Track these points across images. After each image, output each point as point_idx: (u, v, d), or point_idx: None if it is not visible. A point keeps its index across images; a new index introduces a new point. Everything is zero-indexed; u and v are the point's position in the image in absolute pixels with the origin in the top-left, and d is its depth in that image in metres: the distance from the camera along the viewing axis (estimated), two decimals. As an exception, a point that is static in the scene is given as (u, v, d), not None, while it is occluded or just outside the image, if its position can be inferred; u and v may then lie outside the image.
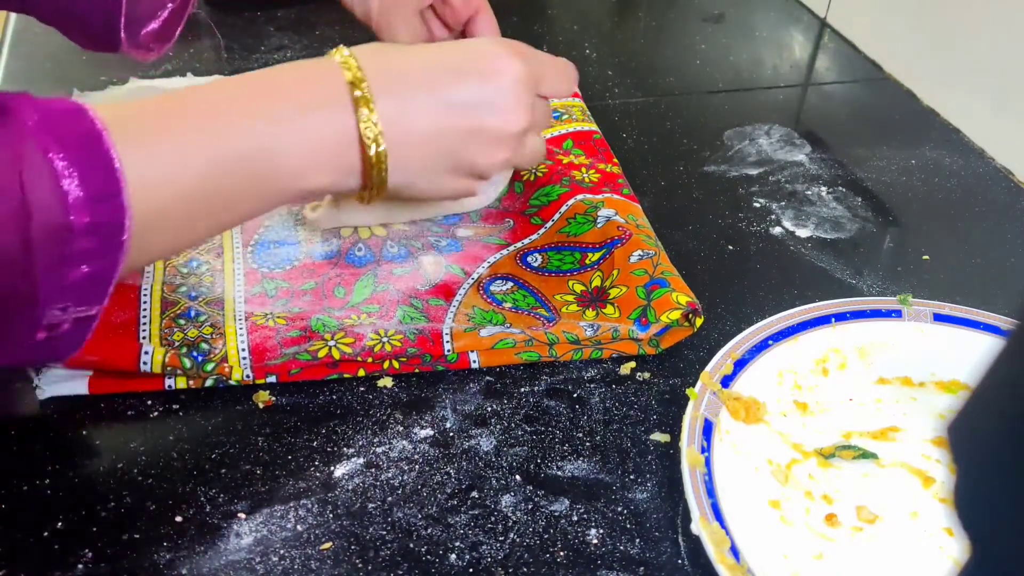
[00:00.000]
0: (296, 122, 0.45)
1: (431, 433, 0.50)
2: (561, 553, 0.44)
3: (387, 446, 0.49)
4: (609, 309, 0.56)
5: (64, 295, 0.38)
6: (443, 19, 0.64)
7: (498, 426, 0.51)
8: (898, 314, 0.56)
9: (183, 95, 0.44)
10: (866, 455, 0.50)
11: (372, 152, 0.46)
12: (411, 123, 0.48)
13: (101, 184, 0.38)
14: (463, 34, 0.65)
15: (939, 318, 0.55)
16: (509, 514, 0.46)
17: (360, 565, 0.44)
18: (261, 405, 0.51)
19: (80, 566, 0.43)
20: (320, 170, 0.46)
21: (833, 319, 0.55)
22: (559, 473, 0.48)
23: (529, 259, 0.60)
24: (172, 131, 0.42)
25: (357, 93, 0.46)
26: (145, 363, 0.50)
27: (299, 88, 0.46)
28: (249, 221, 0.61)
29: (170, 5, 0.62)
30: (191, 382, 0.51)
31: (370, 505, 0.46)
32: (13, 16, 0.90)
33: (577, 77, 0.56)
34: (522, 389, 0.53)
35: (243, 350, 0.52)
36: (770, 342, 0.53)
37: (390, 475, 0.48)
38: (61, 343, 0.41)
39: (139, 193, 0.39)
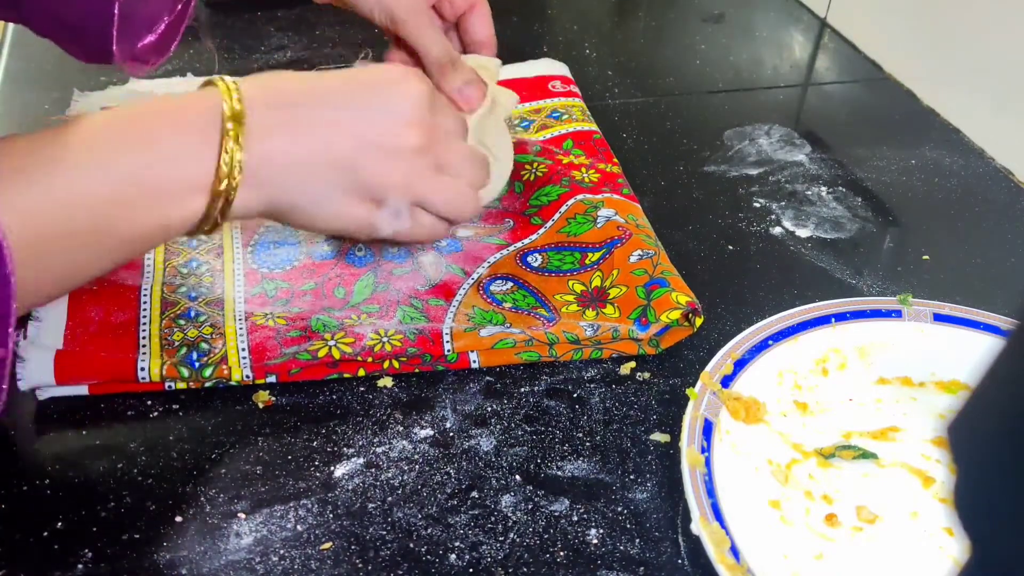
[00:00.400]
0: (158, 151, 0.43)
1: (431, 433, 0.50)
2: (561, 553, 0.44)
3: (387, 446, 0.49)
4: (609, 309, 0.56)
5: None
6: (440, 12, 0.64)
7: (498, 426, 0.51)
8: (898, 314, 0.56)
9: (60, 132, 0.43)
10: (866, 455, 0.50)
11: (223, 186, 0.44)
12: (296, 139, 0.46)
13: None
14: (457, 27, 0.64)
15: (939, 318, 0.55)
16: (509, 514, 0.46)
17: (360, 565, 0.44)
18: (261, 405, 0.51)
19: (80, 566, 0.43)
20: (195, 191, 0.44)
21: (833, 319, 0.55)
22: (559, 473, 0.48)
23: (529, 259, 0.60)
24: (43, 167, 0.41)
25: (229, 126, 0.44)
26: (143, 378, 0.50)
27: (169, 119, 0.45)
28: (249, 220, 0.61)
29: (167, 18, 0.62)
30: (191, 383, 0.51)
31: (370, 505, 0.46)
32: (13, 16, 0.90)
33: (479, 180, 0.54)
34: (522, 389, 0.53)
35: (243, 350, 0.52)
36: (770, 342, 0.53)
37: (390, 475, 0.48)
38: None
39: (14, 222, 0.38)
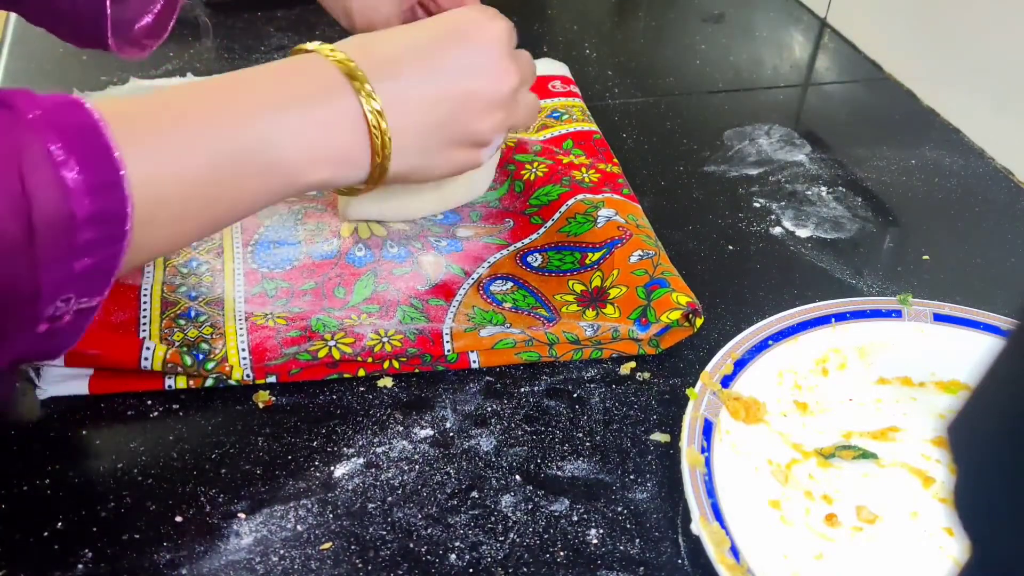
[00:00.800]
0: (298, 113, 0.45)
1: (431, 433, 0.50)
2: (561, 553, 0.44)
3: (387, 446, 0.49)
4: (609, 309, 0.56)
5: (68, 286, 0.38)
6: (430, 13, 0.64)
7: (498, 426, 0.51)
8: (898, 314, 0.56)
9: (183, 90, 0.44)
10: (866, 455, 0.50)
11: (378, 138, 0.47)
12: (406, 103, 0.48)
13: (101, 173, 0.38)
14: None
15: (939, 318, 0.55)
16: (509, 514, 0.46)
17: (360, 565, 0.44)
18: (261, 405, 0.51)
19: (80, 566, 0.43)
20: (324, 162, 0.46)
21: (833, 319, 0.55)
22: (559, 473, 0.48)
23: (529, 259, 0.60)
24: (173, 125, 0.42)
25: (354, 82, 0.46)
26: (146, 359, 0.50)
27: (296, 80, 0.46)
28: (249, 221, 0.61)
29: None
30: (191, 382, 0.51)
31: (370, 505, 0.46)
32: (13, 16, 0.90)
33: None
34: (522, 389, 0.53)
35: (243, 350, 0.52)
36: (770, 342, 0.53)
37: (390, 475, 0.48)
38: (61, 335, 0.41)
39: (140, 184, 0.39)
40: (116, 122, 0.39)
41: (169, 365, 0.50)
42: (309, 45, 0.48)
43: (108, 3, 0.58)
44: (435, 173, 0.52)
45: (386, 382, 0.53)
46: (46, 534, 0.44)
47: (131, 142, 0.39)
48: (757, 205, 0.69)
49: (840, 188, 0.71)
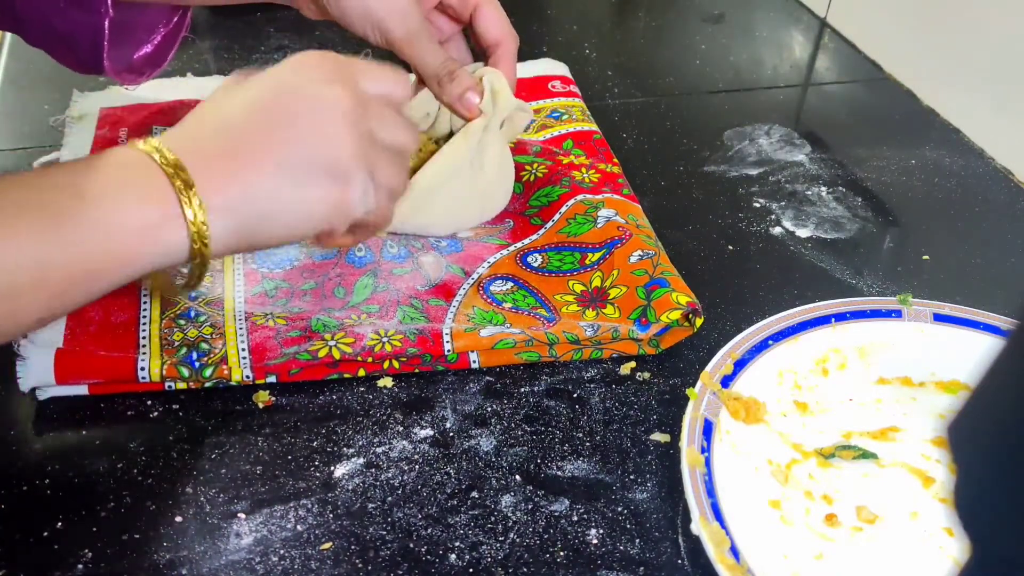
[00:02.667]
0: (119, 219, 0.41)
1: (431, 433, 0.50)
2: (561, 553, 0.44)
3: (387, 446, 0.49)
4: (609, 309, 0.56)
5: None
6: (448, 14, 0.64)
7: (498, 426, 0.51)
8: (898, 314, 0.56)
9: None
10: (866, 455, 0.50)
11: (192, 218, 0.41)
12: (236, 171, 0.43)
13: None
14: (471, 25, 0.64)
15: (939, 318, 0.55)
16: (509, 514, 0.46)
17: (360, 565, 0.44)
18: (261, 405, 0.51)
19: (80, 566, 0.43)
20: (146, 257, 0.42)
21: (833, 319, 0.55)
22: (559, 473, 0.48)
23: (529, 259, 0.60)
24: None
25: (178, 183, 0.41)
26: (143, 378, 0.50)
27: (120, 178, 0.42)
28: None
29: (163, 29, 0.62)
30: (191, 383, 0.51)
31: (370, 505, 0.46)
32: (13, 16, 0.90)
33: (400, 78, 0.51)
34: (522, 389, 0.53)
35: (243, 350, 0.52)
36: (770, 342, 0.53)
37: (390, 475, 0.48)
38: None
39: None
40: None
41: (167, 379, 0.50)
42: (140, 144, 0.43)
43: (107, 29, 0.58)
44: (298, 223, 0.45)
45: (386, 382, 0.53)
46: (46, 534, 0.44)
47: None
48: (757, 205, 0.69)
49: (840, 188, 0.71)
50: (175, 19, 0.62)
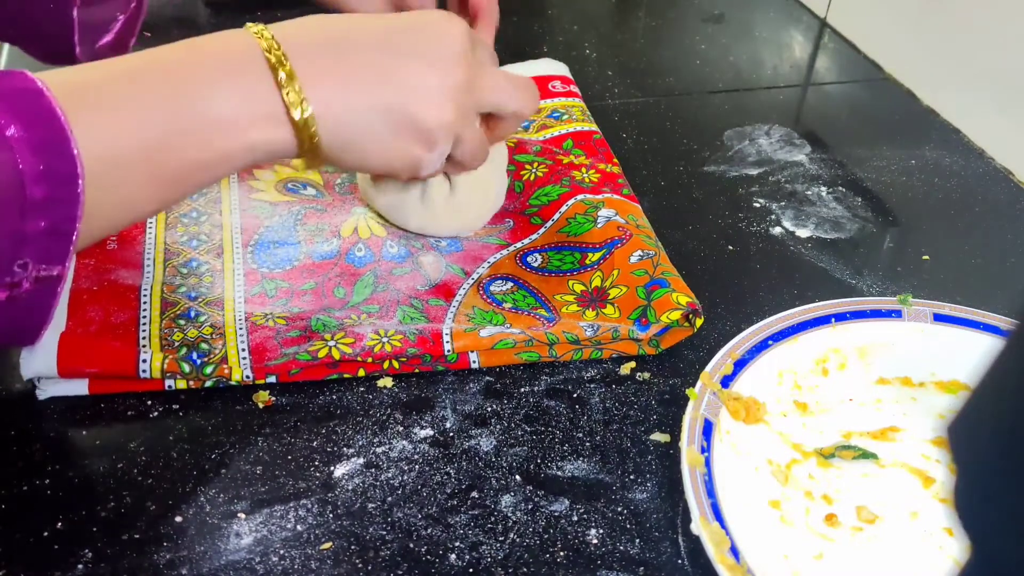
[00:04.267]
0: (229, 83, 0.45)
1: (431, 433, 0.50)
2: (561, 553, 0.44)
3: (387, 446, 0.49)
4: (609, 309, 0.56)
5: (22, 248, 0.39)
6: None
7: (498, 426, 0.51)
8: (898, 314, 0.56)
9: (124, 62, 0.44)
10: (866, 455, 0.50)
11: (298, 116, 0.46)
12: (344, 86, 0.47)
13: (45, 131, 0.38)
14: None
15: (939, 318, 0.55)
16: (509, 514, 0.46)
17: (360, 565, 0.44)
18: (261, 405, 0.51)
19: (80, 566, 0.43)
20: (259, 122, 0.46)
21: (833, 319, 0.55)
22: (559, 473, 0.48)
23: (529, 259, 0.60)
24: (118, 91, 0.42)
25: (272, 58, 0.45)
26: (144, 371, 0.50)
27: (219, 58, 0.46)
28: (249, 221, 0.61)
29: (121, 16, 0.62)
30: (191, 383, 0.51)
31: (370, 505, 0.46)
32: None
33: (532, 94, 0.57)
34: (522, 389, 0.53)
35: (243, 350, 0.52)
36: (770, 342, 0.53)
37: (390, 475, 0.48)
38: (23, 308, 0.41)
39: (89, 145, 0.40)
40: (61, 89, 0.40)
41: (167, 374, 0.50)
42: (252, 26, 0.47)
43: (75, 19, 0.58)
44: (377, 160, 0.50)
45: (386, 382, 0.53)
46: (46, 534, 0.44)
47: (78, 107, 0.40)
48: (757, 205, 0.69)
49: (840, 188, 0.71)
50: (132, 5, 0.62)
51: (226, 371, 0.51)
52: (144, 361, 0.50)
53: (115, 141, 0.41)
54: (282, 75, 0.45)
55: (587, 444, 0.50)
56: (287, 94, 0.45)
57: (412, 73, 0.49)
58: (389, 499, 0.47)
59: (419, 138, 0.50)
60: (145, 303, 0.54)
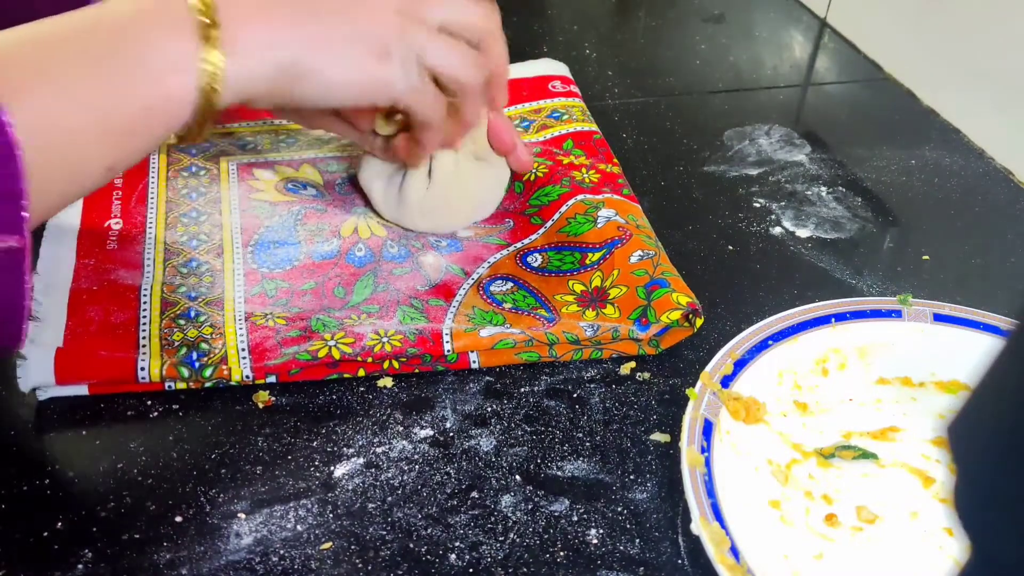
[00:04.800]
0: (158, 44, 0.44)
1: (431, 433, 0.50)
2: (561, 553, 0.44)
3: (387, 446, 0.49)
4: (609, 309, 0.56)
5: None
6: None
7: (498, 426, 0.51)
8: (898, 314, 0.56)
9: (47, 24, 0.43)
10: (866, 455, 0.50)
11: (206, 86, 0.44)
12: (270, 22, 0.46)
13: None
14: None
15: (939, 318, 0.55)
16: (509, 514, 0.46)
17: (360, 565, 0.44)
18: (261, 405, 0.51)
19: (80, 566, 0.43)
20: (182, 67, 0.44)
21: (833, 319, 0.55)
22: (559, 473, 0.48)
23: (529, 259, 0.60)
24: (58, 58, 0.42)
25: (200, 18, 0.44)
26: (143, 378, 0.50)
27: (150, 24, 0.44)
28: (249, 221, 0.61)
29: None
30: (191, 384, 0.51)
31: (370, 505, 0.46)
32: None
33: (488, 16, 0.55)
34: (522, 389, 0.53)
35: (243, 350, 0.52)
36: (770, 342, 0.53)
37: (390, 475, 0.48)
38: None
39: (21, 104, 0.39)
40: None
41: (166, 379, 0.50)
42: None
43: None
44: (336, 82, 0.48)
45: (386, 382, 0.53)
46: (46, 534, 0.44)
47: (13, 69, 0.40)
48: (757, 205, 0.69)
49: (840, 188, 0.71)
50: None
51: (225, 372, 0.51)
52: (143, 369, 0.50)
53: (56, 102, 0.41)
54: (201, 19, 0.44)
55: (587, 444, 0.50)
56: (202, 37, 0.44)
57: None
58: (389, 499, 0.47)
59: (366, 47, 0.48)
60: (145, 303, 0.54)
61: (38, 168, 0.40)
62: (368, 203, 0.64)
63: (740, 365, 0.52)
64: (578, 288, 0.58)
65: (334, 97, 0.50)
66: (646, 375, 0.54)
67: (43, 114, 0.41)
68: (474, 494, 0.47)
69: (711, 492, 0.45)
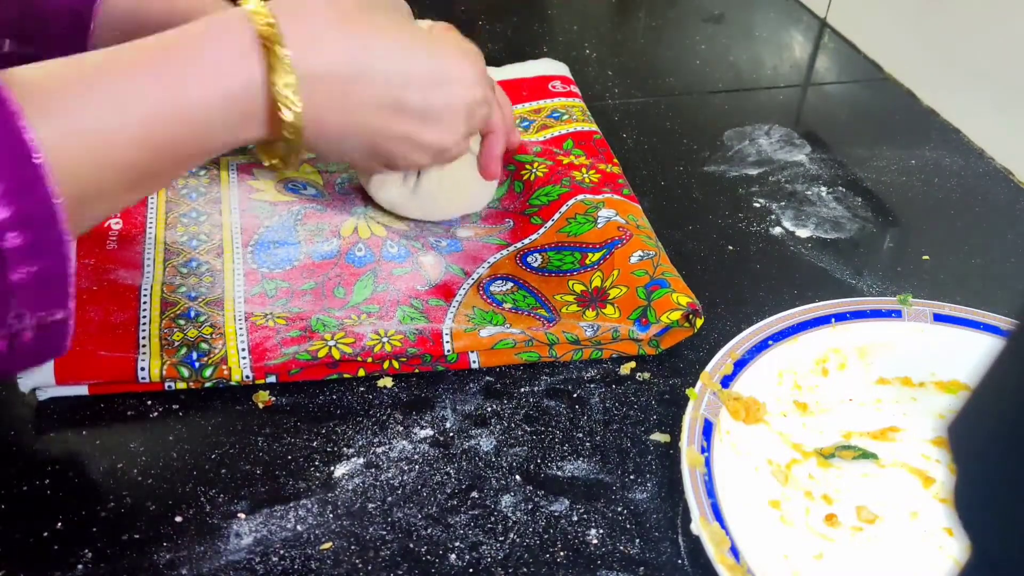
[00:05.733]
0: (206, 80, 0.43)
1: (431, 433, 0.50)
2: (561, 553, 0.44)
3: (387, 446, 0.49)
4: (609, 309, 0.56)
5: (11, 301, 0.36)
6: None
7: (498, 426, 0.51)
8: (898, 314, 0.56)
9: (93, 59, 0.41)
10: (866, 455, 0.50)
11: (287, 117, 0.44)
12: (337, 103, 0.47)
13: (18, 174, 0.35)
14: None
15: (939, 318, 0.55)
16: (509, 514, 0.46)
17: (360, 565, 0.44)
18: (261, 405, 0.51)
19: (80, 566, 0.43)
20: (236, 127, 0.44)
21: (833, 319, 0.55)
22: (559, 473, 0.48)
23: (529, 259, 0.60)
24: (92, 101, 0.40)
25: (270, 49, 0.43)
26: (143, 378, 0.50)
27: (208, 45, 0.43)
28: (249, 221, 0.61)
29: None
30: (191, 384, 0.51)
31: (370, 505, 0.46)
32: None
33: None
34: (522, 389, 0.53)
35: (243, 350, 0.52)
36: (770, 342, 0.53)
37: (390, 475, 0.48)
38: (32, 353, 0.39)
39: (66, 176, 0.37)
40: (33, 105, 0.36)
41: (166, 379, 0.50)
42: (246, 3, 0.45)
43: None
44: (334, 158, 0.54)
45: (386, 382, 0.53)
46: (46, 534, 0.44)
47: (53, 128, 0.37)
48: (757, 205, 0.69)
49: (840, 188, 0.71)
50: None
51: (225, 372, 0.51)
52: (143, 369, 0.50)
53: (92, 158, 0.39)
54: (275, 66, 0.44)
55: (587, 444, 0.50)
56: (278, 88, 0.44)
57: (411, 125, 0.51)
58: (389, 499, 0.47)
59: (385, 162, 0.53)
60: (145, 303, 0.54)
61: (76, 216, 0.38)
62: (368, 202, 0.64)
63: (740, 365, 0.52)
64: (578, 288, 0.58)
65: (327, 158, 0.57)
66: (646, 375, 0.54)
67: (85, 169, 0.39)
68: (474, 494, 0.47)
69: (711, 492, 0.45)
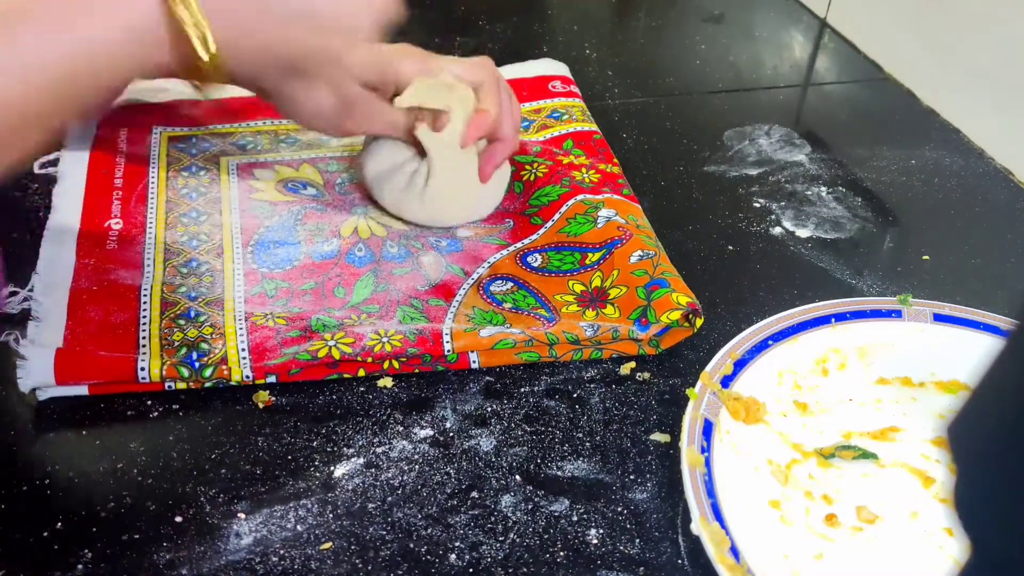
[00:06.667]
0: (106, 18, 0.43)
1: (431, 433, 0.50)
2: (561, 553, 0.44)
3: (387, 446, 0.49)
4: (609, 309, 0.56)
5: None
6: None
7: (498, 426, 0.51)
8: (898, 314, 0.56)
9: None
10: (866, 455, 0.50)
11: (197, 44, 0.45)
12: (246, 22, 0.47)
13: None
14: None
15: (939, 318, 0.55)
16: (509, 514, 0.46)
17: (360, 565, 0.44)
18: (261, 405, 0.51)
19: (80, 566, 0.43)
20: (144, 59, 0.45)
21: (833, 319, 0.55)
22: (559, 473, 0.48)
23: (529, 259, 0.60)
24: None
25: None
26: (143, 378, 0.50)
27: None
28: (249, 221, 0.61)
29: None
30: (191, 384, 0.51)
31: (370, 505, 0.46)
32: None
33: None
34: (522, 389, 0.53)
35: (243, 350, 0.52)
36: (770, 342, 0.53)
37: (390, 475, 0.48)
38: None
39: None
40: None
41: (166, 379, 0.50)
42: None
43: None
44: (259, 81, 0.51)
45: (386, 382, 0.53)
46: (46, 534, 0.44)
47: None
48: (757, 205, 0.69)
49: (840, 188, 0.71)
50: None
51: (225, 372, 0.51)
52: (143, 369, 0.50)
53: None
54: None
55: (587, 444, 0.50)
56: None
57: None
58: (389, 499, 0.47)
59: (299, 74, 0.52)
60: (145, 303, 0.54)
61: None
62: (368, 202, 0.64)
63: (740, 365, 0.52)
64: (578, 288, 0.58)
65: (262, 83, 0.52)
66: (646, 375, 0.54)
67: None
68: (474, 494, 0.47)
69: (711, 492, 0.45)
